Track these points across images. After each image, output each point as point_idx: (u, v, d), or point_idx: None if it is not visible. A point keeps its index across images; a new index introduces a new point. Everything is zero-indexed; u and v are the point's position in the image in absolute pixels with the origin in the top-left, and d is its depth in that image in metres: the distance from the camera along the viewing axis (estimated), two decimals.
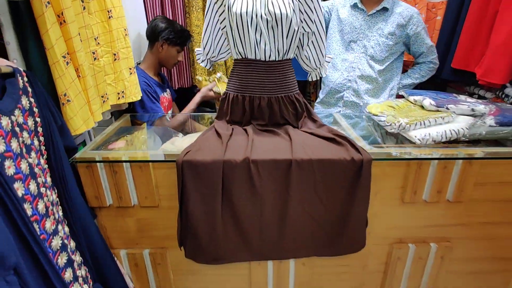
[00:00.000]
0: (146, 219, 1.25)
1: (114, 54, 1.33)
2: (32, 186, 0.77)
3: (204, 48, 1.35)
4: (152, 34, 1.77)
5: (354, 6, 1.72)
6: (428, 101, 1.28)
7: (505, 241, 1.34)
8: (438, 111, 1.26)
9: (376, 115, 1.37)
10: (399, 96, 1.60)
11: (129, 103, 1.57)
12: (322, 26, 1.24)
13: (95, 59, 1.20)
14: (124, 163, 1.12)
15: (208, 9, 1.25)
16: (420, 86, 1.96)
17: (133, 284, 1.35)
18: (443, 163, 1.16)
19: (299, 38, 1.26)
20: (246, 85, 1.26)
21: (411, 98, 1.38)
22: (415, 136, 1.20)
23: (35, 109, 0.87)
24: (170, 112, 1.96)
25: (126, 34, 1.39)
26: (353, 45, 1.73)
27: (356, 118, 1.60)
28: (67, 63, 1.03)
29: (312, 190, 1.13)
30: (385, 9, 1.68)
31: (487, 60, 1.45)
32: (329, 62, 1.36)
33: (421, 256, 1.35)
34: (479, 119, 1.26)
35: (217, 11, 1.24)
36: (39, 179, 0.81)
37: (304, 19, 1.21)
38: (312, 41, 1.26)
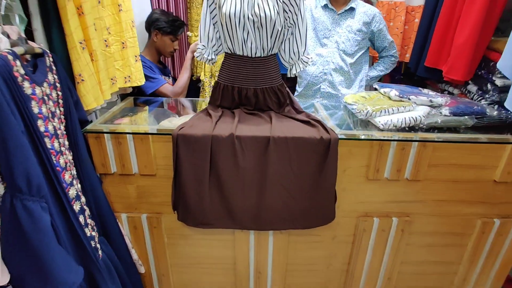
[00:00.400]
0: (144, 186, 1.44)
1: (123, 43, 1.52)
2: (56, 144, 0.96)
3: (207, 42, 1.46)
4: (148, 24, 1.97)
5: (325, 6, 1.93)
6: (394, 92, 1.47)
7: (455, 218, 1.53)
8: (401, 101, 1.45)
9: (350, 104, 1.56)
10: (373, 89, 1.79)
11: (133, 88, 1.77)
12: (303, 25, 1.42)
13: (106, 46, 1.40)
14: (127, 135, 1.32)
15: (203, 6, 1.43)
16: (400, 83, 2.15)
17: (131, 244, 1.55)
18: (401, 145, 1.36)
19: (283, 34, 1.44)
20: (235, 77, 1.44)
21: (382, 90, 1.57)
22: (379, 122, 1.39)
23: (58, 84, 1.06)
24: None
25: (133, 26, 1.58)
26: (326, 41, 1.94)
27: (333, 109, 1.79)
28: (83, 48, 1.23)
29: (287, 166, 1.32)
30: (352, 9, 1.90)
31: (450, 59, 1.64)
32: (307, 62, 1.51)
33: (384, 229, 1.54)
34: (436, 109, 1.45)
35: (209, 6, 1.41)
36: (60, 140, 1.01)
37: (287, 17, 1.39)
38: (289, 38, 1.44)
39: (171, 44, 2.03)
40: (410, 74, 2.11)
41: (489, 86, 1.55)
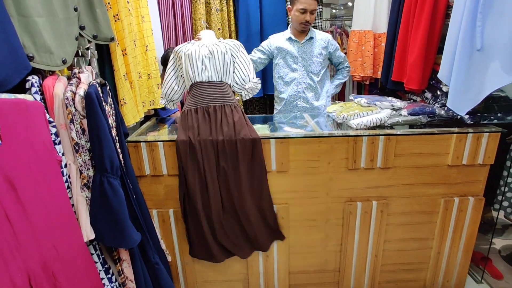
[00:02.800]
0: (171, 185, 1.81)
1: (149, 75, 1.94)
2: (117, 145, 1.35)
3: (166, 93, 1.83)
4: (163, 60, 2.43)
5: (290, 39, 2.41)
6: (363, 100, 1.88)
7: (423, 198, 1.90)
8: (369, 106, 1.86)
9: (330, 112, 1.97)
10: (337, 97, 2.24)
11: (154, 110, 2.18)
12: (246, 63, 1.82)
13: (139, 77, 1.81)
14: (158, 143, 1.71)
15: (170, 66, 1.80)
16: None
17: (160, 236, 1.89)
18: (371, 139, 1.75)
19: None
20: (199, 100, 1.75)
21: (355, 100, 1.99)
22: (353, 123, 1.79)
23: (112, 105, 1.46)
24: None
25: (155, 61, 2.01)
26: (295, 66, 2.42)
27: (316, 118, 2.22)
28: (126, 79, 1.64)
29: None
30: (311, 38, 2.40)
31: (408, 73, 2.07)
32: (256, 88, 1.90)
33: (366, 211, 1.90)
34: (397, 112, 1.86)
35: (177, 64, 1.79)
36: (117, 144, 1.39)
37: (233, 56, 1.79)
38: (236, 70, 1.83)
39: None
40: (384, 88, 2.54)
41: (438, 92, 1.97)
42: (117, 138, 1.42)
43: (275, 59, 2.47)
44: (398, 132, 1.74)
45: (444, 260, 2.04)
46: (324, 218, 1.92)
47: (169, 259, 1.93)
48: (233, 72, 1.81)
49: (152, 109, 2.15)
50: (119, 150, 1.40)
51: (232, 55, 1.77)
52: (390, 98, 1.98)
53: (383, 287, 2.08)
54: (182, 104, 2.74)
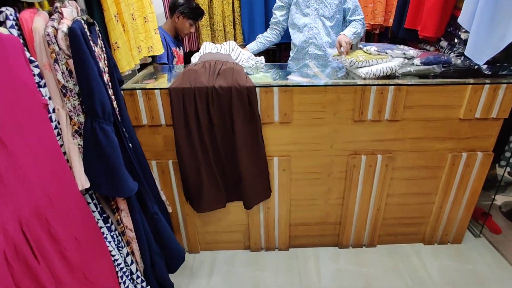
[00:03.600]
0: (170, 135, 1.74)
1: (144, 18, 1.80)
2: (109, 91, 1.26)
3: None
4: (172, 6, 2.26)
5: None
6: (373, 48, 1.75)
7: (429, 153, 1.84)
8: (379, 54, 1.73)
9: (337, 56, 1.85)
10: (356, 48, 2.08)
11: (152, 58, 2.06)
12: None
13: (133, 19, 1.67)
14: (155, 91, 1.61)
15: None
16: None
17: (160, 187, 1.87)
18: (380, 89, 1.65)
19: None
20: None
21: (365, 48, 1.85)
22: (361, 72, 1.68)
23: (103, 48, 1.35)
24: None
25: (151, 3, 1.85)
26: (307, 10, 2.26)
27: (322, 67, 2.09)
28: (117, 21, 1.51)
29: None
30: None
31: (423, 19, 1.91)
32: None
33: (371, 164, 1.85)
34: (409, 61, 1.73)
35: None
36: (109, 91, 1.30)
37: None
38: None
39: (189, 27, 2.35)
40: (395, 38, 2.38)
41: (456, 40, 1.83)
42: (110, 83, 1.33)
43: (291, 6, 2.35)
44: (410, 82, 1.64)
45: (445, 215, 2.03)
46: (327, 171, 1.88)
47: (170, 210, 1.92)
48: None
49: (149, 57, 2.03)
50: (112, 97, 1.31)
51: None
52: (402, 46, 1.84)
53: (382, 239, 2.10)
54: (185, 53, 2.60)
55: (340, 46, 1.90)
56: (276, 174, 1.86)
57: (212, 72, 1.62)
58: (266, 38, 2.41)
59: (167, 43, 2.28)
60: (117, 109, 1.38)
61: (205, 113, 1.60)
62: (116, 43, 1.52)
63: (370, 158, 1.83)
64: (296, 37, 2.35)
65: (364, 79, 1.68)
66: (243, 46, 2.61)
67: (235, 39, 2.89)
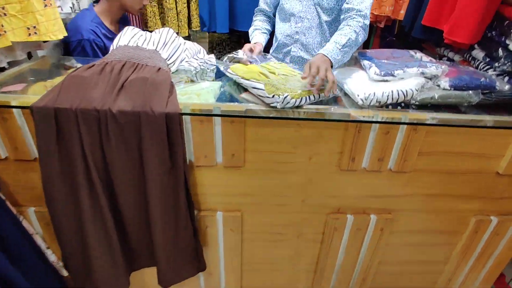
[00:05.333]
0: None
1: None
2: None
3: None
4: None
5: None
6: (373, 70, 1.11)
7: (447, 214, 1.27)
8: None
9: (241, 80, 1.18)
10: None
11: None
12: None
13: None
14: (13, 110, 0.96)
15: None
16: (391, 46, 1.79)
17: (46, 245, 1.24)
18: (385, 128, 1.04)
19: None
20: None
21: (361, 62, 1.22)
22: (358, 95, 1.05)
23: None
24: None
25: None
26: None
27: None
28: None
29: None
30: None
31: (454, 17, 1.28)
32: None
33: (359, 227, 1.27)
34: (432, 80, 1.11)
35: None
36: None
37: None
38: None
39: None
40: (405, 34, 1.75)
41: (500, 52, 1.21)
42: None
43: None
44: (433, 120, 1.02)
45: None
46: (295, 232, 1.30)
47: (64, 273, 1.32)
48: None
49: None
50: None
51: None
52: (418, 55, 1.23)
53: None
54: None
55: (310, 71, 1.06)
56: (220, 234, 1.26)
57: (113, 83, 0.97)
58: (265, 28, 1.66)
59: (99, 36, 1.56)
60: None
61: (97, 148, 0.97)
62: None
63: (360, 219, 1.25)
64: (279, 28, 1.60)
65: (362, 107, 1.06)
66: (201, 33, 1.90)
67: (189, 23, 2.11)
